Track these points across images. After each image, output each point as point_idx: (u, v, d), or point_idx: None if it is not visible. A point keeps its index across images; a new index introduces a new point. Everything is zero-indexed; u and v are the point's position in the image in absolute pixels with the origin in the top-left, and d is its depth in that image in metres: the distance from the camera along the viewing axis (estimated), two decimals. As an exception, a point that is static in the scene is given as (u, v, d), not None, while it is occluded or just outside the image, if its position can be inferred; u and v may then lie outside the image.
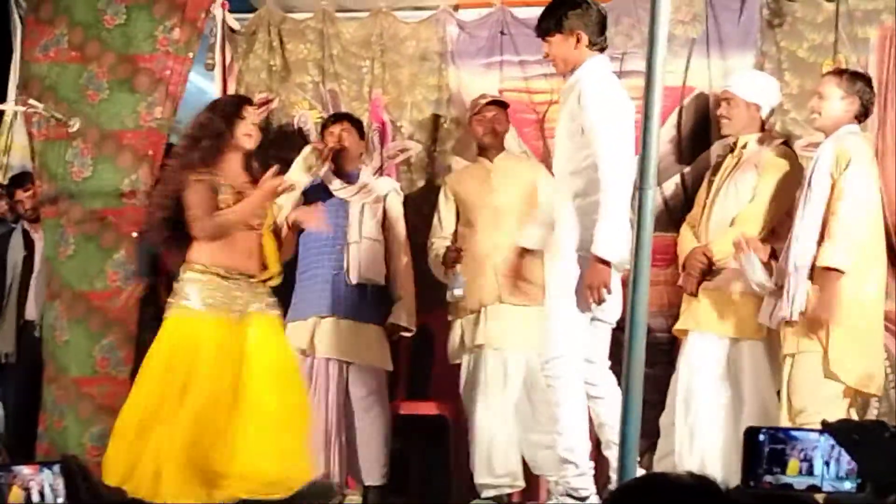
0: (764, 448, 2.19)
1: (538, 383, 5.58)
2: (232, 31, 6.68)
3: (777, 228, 5.42)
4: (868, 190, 5.14)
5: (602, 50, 4.97)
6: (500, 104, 6.10)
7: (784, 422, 5.06)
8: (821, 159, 5.12)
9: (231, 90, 6.64)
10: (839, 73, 5.35)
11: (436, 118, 6.54)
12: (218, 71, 6.60)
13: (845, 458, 2.09)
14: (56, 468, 2.30)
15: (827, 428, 2.04)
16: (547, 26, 4.91)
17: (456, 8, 6.60)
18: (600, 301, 4.71)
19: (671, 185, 6.20)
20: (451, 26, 6.54)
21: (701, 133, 6.20)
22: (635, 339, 3.71)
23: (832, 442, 2.10)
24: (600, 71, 4.91)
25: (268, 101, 6.66)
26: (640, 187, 3.74)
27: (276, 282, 5.42)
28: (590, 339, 4.87)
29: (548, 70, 6.38)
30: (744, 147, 5.53)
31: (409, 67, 6.58)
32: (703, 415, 5.32)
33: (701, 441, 5.30)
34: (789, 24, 6.10)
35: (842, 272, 4.99)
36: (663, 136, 5.93)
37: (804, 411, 5.01)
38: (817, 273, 5.03)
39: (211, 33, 6.59)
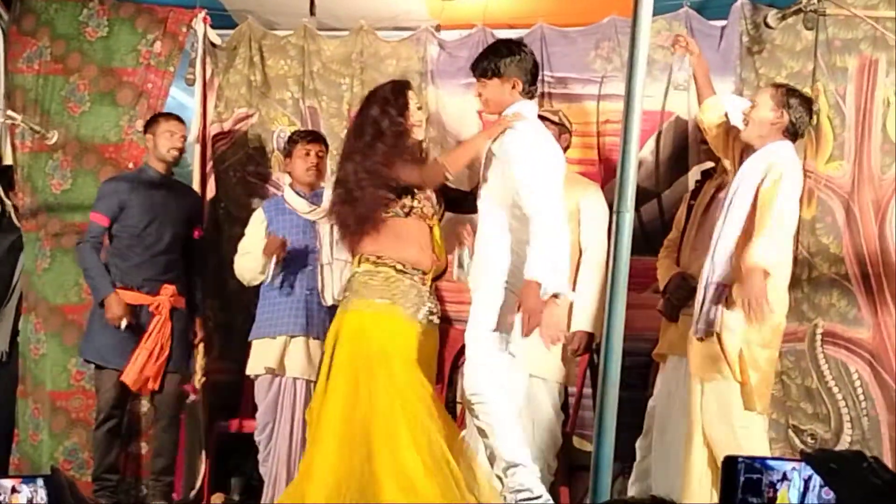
0: (740, 477, 2.19)
1: (542, 411, 5.61)
2: (213, 45, 6.68)
3: None
4: (792, 214, 5.14)
5: (531, 96, 4.99)
6: None
7: (700, 447, 5.05)
8: (746, 178, 5.07)
9: (211, 105, 6.64)
10: (777, 86, 5.36)
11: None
12: (198, 85, 6.59)
13: (821, 487, 2.10)
14: (39, 482, 2.29)
15: (805, 457, 2.04)
16: (486, 69, 4.94)
17: (437, 28, 6.62)
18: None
19: (649, 209, 6.22)
20: (431, 46, 6.55)
21: (679, 158, 6.23)
22: (610, 361, 3.72)
23: (809, 471, 2.11)
24: (529, 114, 4.93)
25: (247, 116, 6.66)
26: (617, 210, 3.77)
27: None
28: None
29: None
30: (725, 172, 5.54)
31: (391, 86, 6.58)
32: (679, 439, 5.31)
33: (676, 465, 5.29)
34: (768, 51, 6.13)
35: (767, 274, 4.95)
36: (641, 161, 5.95)
37: (721, 442, 4.96)
38: (745, 272, 4.94)
39: (192, 48, 6.60)
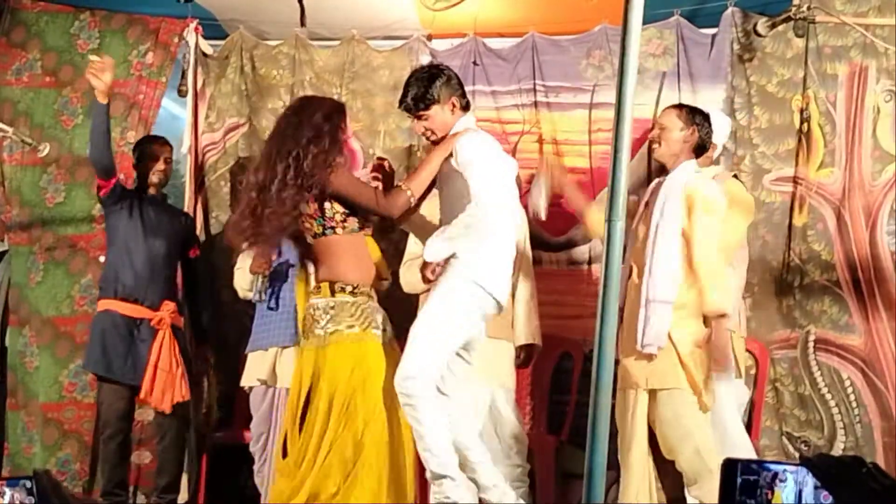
0: (737, 479, 2.20)
1: (506, 419, 5.60)
2: (205, 55, 6.68)
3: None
4: (713, 240, 5.04)
5: (467, 107, 4.93)
6: None
7: (641, 455, 5.03)
8: (670, 197, 5.03)
9: (203, 115, 6.64)
10: (678, 106, 5.34)
11: (409, 146, 6.56)
12: (190, 95, 6.60)
13: (817, 489, 2.11)
14: (24, 483, 2.28)
15: (805, 462, 2.05)
16: (421, 102, 4.85)
17: (429, 37, 6.63)
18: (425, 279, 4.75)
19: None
20: (423, 55, 6.56)
21: (671, 166, 6.24)
22: (602, 369, 3.72)
23: (804, 474, 2.12)
24: (472, 126, 4.87)
25: (239, 126, 6.67)
26: (608, 219, 3.75)
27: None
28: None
29: (520, 100, 6.45)
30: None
31: (383, 96, 6.59)
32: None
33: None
34: (759, 59, 6.15)
35: (726, 316, 4.95)
36: (633, 169, 5.96)
37: (675, 448, 4.94)
38: (708, 320, 4.95)
39: (184, 59, 6.60)
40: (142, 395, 5.82)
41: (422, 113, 4.84)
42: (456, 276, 4.65)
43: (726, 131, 5.77)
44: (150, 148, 6.14)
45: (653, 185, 5.21)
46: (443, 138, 4.86)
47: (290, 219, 4.63)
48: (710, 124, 5.22)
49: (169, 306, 5.95)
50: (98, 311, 5.97)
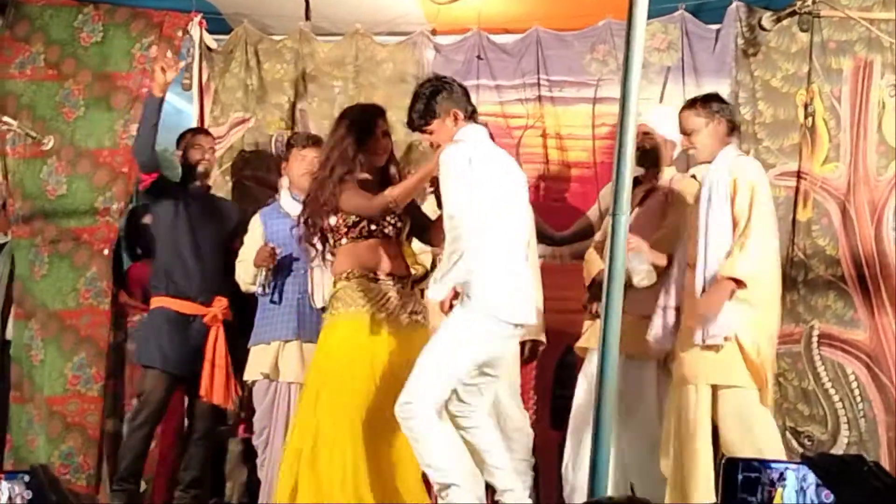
0: (738, 476, 2.20)
1: (510, 413, 5.59)
2: (209, 50, 6.68)
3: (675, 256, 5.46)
4: (771, 220, 5.15)
5: (474, 115, 4.97)
6: None
7: (706, 450, 5.04)
8: (716, 190, 5.07)
9: (207, 109, 6.64)
10: (691, 104, 5.34)
11: (410, 142, 6.54)
12: (195, 90, 6.60)
13: (818, 487, 2.11)
14: (22, 477, 2.28)
15: (807, 461, 2.05)
16: (423, 117, 4.91)
17: (433, 32, 6.62)
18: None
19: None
20: (427, 50, 6.57)
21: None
22: (606, 364, 3.72)
23: (805, 472, 2.11)
24: (468, 136, 4.86)
25: (244, 121, 6.66)
26: (612, 213, 3.75)
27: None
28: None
29: (524, 95, 6.45)
30: (653, 179, 5.58)
31: (386, 89, 6.58)
32: (639, 439, 5.35)
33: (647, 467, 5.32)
34: (763, 53, 6.14)
35: (742, 285, 4.96)
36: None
37: (737, 444, 4.94)
38: (716, 280, 4.98)
39: (188, 52, 6.59)
40: (202, 391, 5.88)
41: (424, 128, 4.93)
42: (465, 310, 4.74)
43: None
44: (195, 139, 6.20)
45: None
46: None
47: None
48: (726, 102, 5.28)
49: (221, 302, 6.01)
50: (151, 307, 6.08)
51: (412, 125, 5.00)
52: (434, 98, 4.88)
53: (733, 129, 5.27)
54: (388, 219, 5.11)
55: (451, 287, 4.68)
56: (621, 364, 5.30)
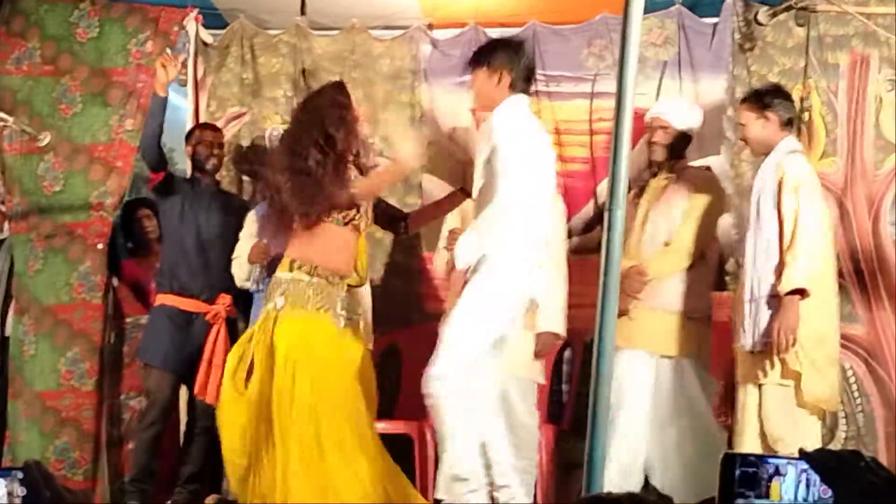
0: (735, 471, 2.20)
1: (515, 408, 5.57)
2: (205, 44, 6.67)
3: (706, 251, 5.48)
4: (822, 217, 5.17)
5: (525, 90, 4.89)
6: None
7: (753, 447, 5.05)
8: (765, 188, 5.12)
9: (203, 104, 6.63)
10: (745, 100, 5.40)
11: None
12: (190, 84, 6.59)
13: (817, 484, 2.11)
14: (16, 474, 2.27)
15: (804, 457, 2.05)
16: (476, 59, 4.91)
17: (430, 26, 6.61)
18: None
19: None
20: (424, 44, 6.55)
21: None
22: (603, 359, 3.72)
23: (803, 467, 2.11)
24: (516, 110, 4.80)
25: (240, 115, 6.65)
26: (608, 208, 3.75)
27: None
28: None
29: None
30: (671, 171, 5.57)
31: (383, 84, 6.58)
32: (627, 430, 5.32)
33: (625, 455, 5.31)
34: (760, 48, 6.13)
35: (806, 294, 5.00)
36: (633, 159, 5.95)
37: (782, 440, 5.01)
38: (780, 299, 5.03)
39: (184, 47, 6.59)
40: (196, 389, 5.85)
41: (474, 71, 4.89)
42: (485, 277, 4.65)
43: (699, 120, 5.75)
44: (203, 135, 6.21)
45: None
46: (489, 110, 4.86)
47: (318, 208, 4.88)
48: (783, 96, 5.30)
49: (225, 299, 5.99)
50: (155, 304, 6.08)
51: (470, 60, 5.00)
52: (495, 49, 4.90)
53: (789, 122, 5.27)
54: (367, 211, 5.03)
55: (480, 252, 4.62)
56: (656, 367, 5.38)
